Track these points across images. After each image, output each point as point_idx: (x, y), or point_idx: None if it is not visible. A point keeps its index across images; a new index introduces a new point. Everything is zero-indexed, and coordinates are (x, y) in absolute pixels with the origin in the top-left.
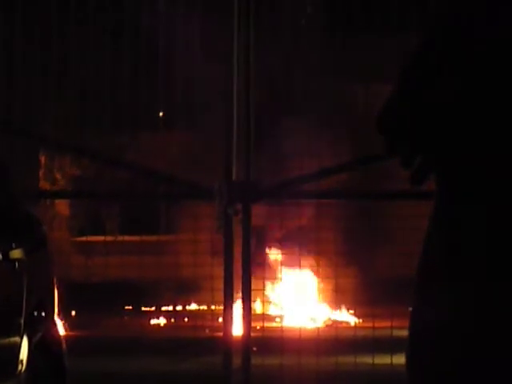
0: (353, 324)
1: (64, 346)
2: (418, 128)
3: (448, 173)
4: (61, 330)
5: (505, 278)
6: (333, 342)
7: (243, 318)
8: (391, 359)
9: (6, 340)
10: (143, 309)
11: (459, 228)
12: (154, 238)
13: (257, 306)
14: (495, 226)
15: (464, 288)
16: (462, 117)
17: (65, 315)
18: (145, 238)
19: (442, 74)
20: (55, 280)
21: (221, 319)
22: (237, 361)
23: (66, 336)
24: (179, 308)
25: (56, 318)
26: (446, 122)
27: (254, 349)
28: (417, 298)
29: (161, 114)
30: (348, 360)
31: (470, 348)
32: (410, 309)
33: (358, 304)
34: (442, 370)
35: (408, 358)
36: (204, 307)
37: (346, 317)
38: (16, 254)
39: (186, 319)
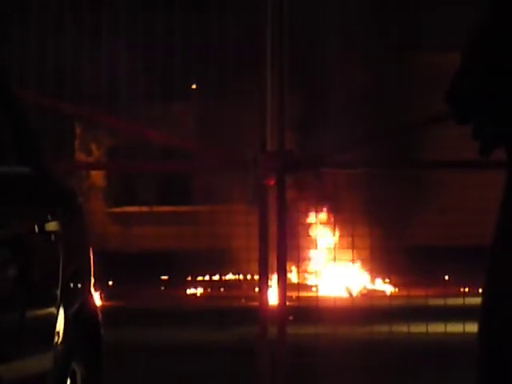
0: (388, 293)
1: (100, 317)
2: (491, 99)
3: None
4: (97, 300)
5: None
6: (368, 311)
7: (278, 287)
8: (427, 328)
9: (43, 312)
10: (179, 279)
11: None
12: (189, 208)
13: (292, 276)
14: None
15: None
16: None
17: (101, 285)
18: (180, 208)
19: None
20: (91, 252)
21: (257, 289)
22: (273, 330)
23: (102, 306)
24: (215, 278)
25: (92, 289)
26: None
27: (291, 318)
28: (494, 265)
29: (194, 86)
30: (383, 329)
31: None
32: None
33: (393, 273)
34: None
35: (481, 328)
36: (240, 277)
37: (382, 286)
38: (52, 226)
39: (222, 289)
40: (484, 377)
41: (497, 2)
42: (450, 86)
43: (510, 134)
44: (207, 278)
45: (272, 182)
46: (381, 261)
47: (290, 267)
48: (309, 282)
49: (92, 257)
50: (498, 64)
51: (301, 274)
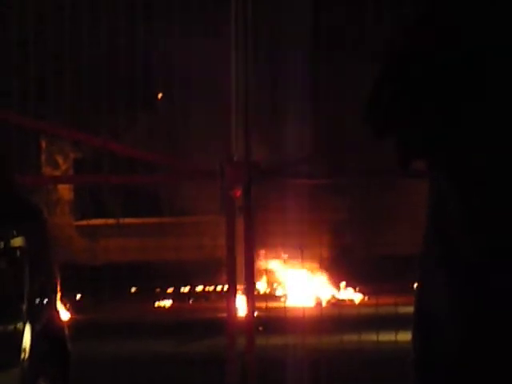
0: (357, 302)
1: (67, 331)
2: (411, 111)
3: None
4: (65, 314)
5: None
6: (337, 320)
7: (247, 298)
8: (396, 336)
9: (9, 328)
10: (147, 291)
11: (441, 202)
12: (156, 219)
13: (261, 287)
14: (468, 200)
15: (453, 269)
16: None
17: (69, 299)
18: (147, 220)
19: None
20: (57, 266)
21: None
22: (242, 341)
23: (70, 320)
24: (184, 290)
25: (58, 304)
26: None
27: (260, 328)
28: (419, 274)
29: (160, 95)
30: (352, 338)
31: (474, 332)
32: (416, 285)
33: (362, 282)
34: (448, 351)
35: (413, 338)
36: (209, 289)
37: (351, 294)
38: (17, 241)
39: (190, 301)
40: None
41: (420, 17)
42: (368, 100)
43: (429, 145)
44: (175, 290)
45: (238, 193)
46: (349, 269)
47: (258, 278)
48: (277, 293)
49: (58, 271)
50: (417, 75)
51: (269, 285)
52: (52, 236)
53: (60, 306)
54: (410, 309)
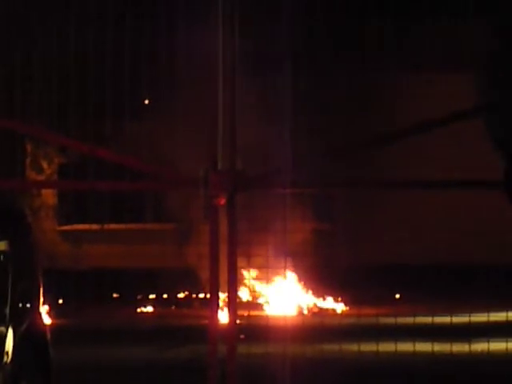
0: (339, 311)
1: (49, 336)
2: None
3: None
4: (47, 319)
5: None
6: (318, 329)
7: (229, 306)
8: (377, 347)
9: None
10: (130, 297)
11: None
12: (139, 226)
13: (244, 295)
14: None
15: None
16: None
17: (52, 304)
18: (131, 226)
19: None
20: (40, 271)
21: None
22: (224, 349)
23: (53, 325)
24: (166, 296)
25: (41, 308)
26: None
27: (242, 336)
28: None
29: (146, 101)
30: (334, 348)
31: None
32: (397, 296)
33: (344, 291)
34: None
35: None
36: (192, 295)
37: (333, 304)
38: (0, 246)
39: (173, 307)
40: None
41: None
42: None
43: None
44: (157, 296)
45: (223, 202)
46: (332, 279)
47: (241, 286)
48: (260, 301)
49: (41, 276)
50: None
51: (252, 293)
52: (36, 240)
53: (43, 311)
54: (391, 320)
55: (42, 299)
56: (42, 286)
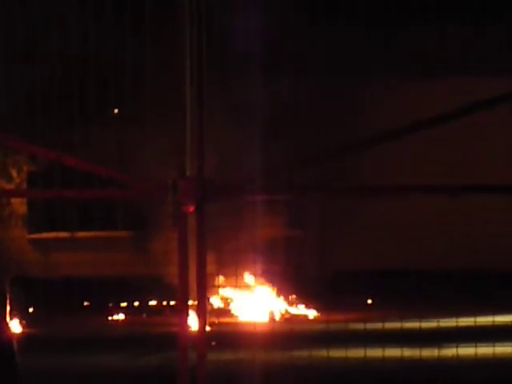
0: (311, 317)
1: (16, 345)
2: None
3: None
4: (17, 328)
5: None
6: (288, 335)
7: (198, 313)
8: (346, 352)
9: None
10: (101, 305)
11: None
12: (109, 233)
13: (215, 302)
14: None
15: None
16: None
17: (22, 312)
18: (100, 234)
19: None
20: (7, 280)
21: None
22: (194, 356)
23: (22, 333)
24: (137, 304)
25: (8, 317)
26: None
27: (214, 343)
28: None
29: (116, 110)
30: (303, 354)
31: None
32: (369, 301)
33: (314, 298)
34: None
35: None
36: (162, 303)
37: (303, 311)
38: None
39: (144, 315)
40: None
41: None
42: None
43: None
44: (128, 304)
45: (191, 209)
46: (303, 285)
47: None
48: (230, 308)
49: (8, 285)
50: None
51: (223, 300)
52: (3, 248)
53: (9, 320)
54: (361, 325)
55: (8, 308)
56: (8, 295)
